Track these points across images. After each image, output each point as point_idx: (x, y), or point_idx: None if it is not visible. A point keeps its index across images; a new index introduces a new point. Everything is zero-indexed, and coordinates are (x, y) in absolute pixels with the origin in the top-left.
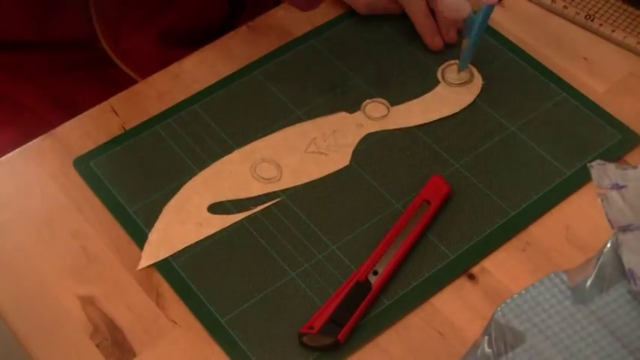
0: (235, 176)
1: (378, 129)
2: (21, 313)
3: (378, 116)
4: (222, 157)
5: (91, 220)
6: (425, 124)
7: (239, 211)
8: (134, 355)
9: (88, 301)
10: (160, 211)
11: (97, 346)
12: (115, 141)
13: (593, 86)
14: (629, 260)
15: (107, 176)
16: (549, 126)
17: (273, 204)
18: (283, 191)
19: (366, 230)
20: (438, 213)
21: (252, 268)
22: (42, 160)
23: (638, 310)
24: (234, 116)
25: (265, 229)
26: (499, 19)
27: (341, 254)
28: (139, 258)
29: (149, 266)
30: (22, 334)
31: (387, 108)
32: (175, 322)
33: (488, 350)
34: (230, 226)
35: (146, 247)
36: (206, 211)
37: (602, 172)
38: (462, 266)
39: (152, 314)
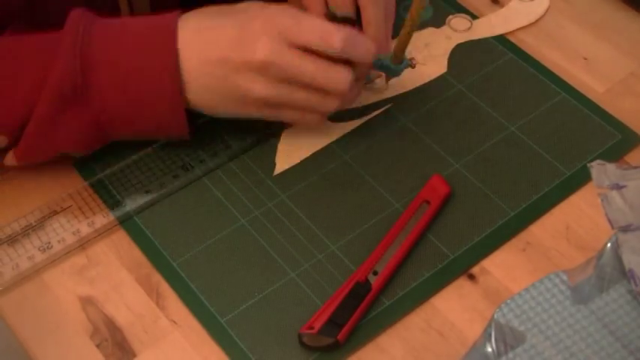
0: None
1: (466, 39)
2: (21, 313)
3: (463, 29)
4: (222, 157)
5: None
6: (424, 123)
7: (355, 118)
8: (134, 355)
9: (88, 301)
10: (160, 211)
11: (97, 346)
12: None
13: (593, 86)
14: (629, 260)
15: (107, 177)
16: (549, 126)
17: (384, 110)
18: (393, 98)
19: (366, 230)
20: (438, 213)
21: (252, 268)
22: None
23: (638, 310)
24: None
25: (265, 229)
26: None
27: (341, 254)
28: (139, 258)
29: (149, 266)
30: (22, 334)
31: (470, 22)
32: (175, 322)
33: (488, 350)
34: (231, 226)
35: (278, 155)
36: (326, 119)
37: (602, 172)
38: (462, 266)
39: (152, 314)
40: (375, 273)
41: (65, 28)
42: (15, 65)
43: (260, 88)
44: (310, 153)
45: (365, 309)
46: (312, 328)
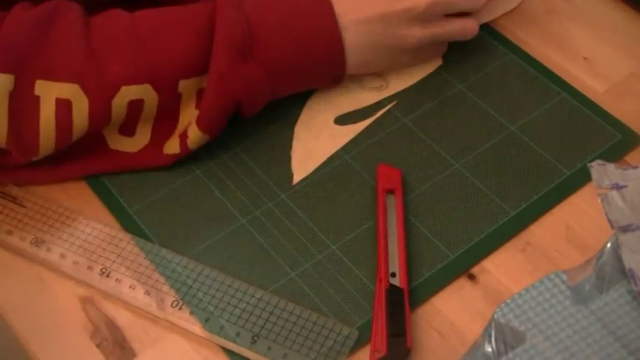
0: (347, 91)
1: None
2: (21, 313)
3: None
4: (222, 158)
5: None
6: (424, 123)
7: (363, 119)
8: (134, 355)
9: (88, 301)
10: (160, 211)
11: (97, 346)
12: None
13: (593, 86)
14: (629, 260)
15: (107, 176)
16: (549, 126)
17: (391, 107)
18: (395, 95)
19: (366, 230)
20: (438, 212)
21: (252, 268)
22: None
23: (638, 310)
24: (234, 116)
25: (265, 229)
26: (500, 18)
27: (341, 254)
28: (139, 258)
29: (149, 266)
30: (22, 334)
31: None
32: (175, 322)
33: (488, 350)
34: (230, 226)
35: (293, 164)
36: (333, 123)
37: (602, 172)
38: (462, 266)
39: (152, 314)
40: (394, 275)
41: None
42: (168, 27)
43: (417, 32)
44: (327, 156)
45: (409, 310)
46: (378, 351)
